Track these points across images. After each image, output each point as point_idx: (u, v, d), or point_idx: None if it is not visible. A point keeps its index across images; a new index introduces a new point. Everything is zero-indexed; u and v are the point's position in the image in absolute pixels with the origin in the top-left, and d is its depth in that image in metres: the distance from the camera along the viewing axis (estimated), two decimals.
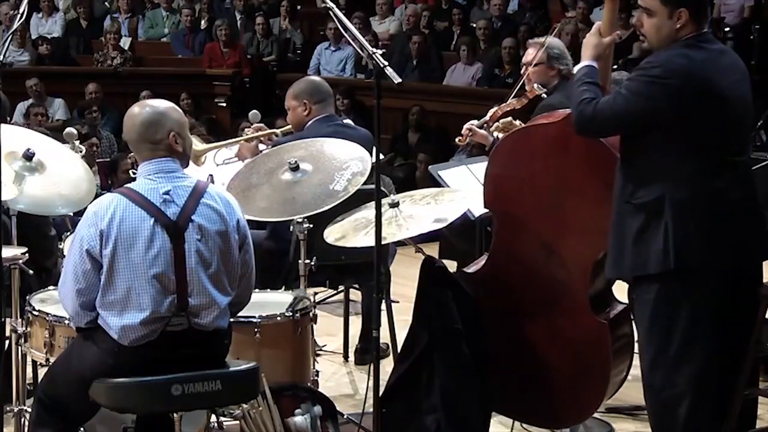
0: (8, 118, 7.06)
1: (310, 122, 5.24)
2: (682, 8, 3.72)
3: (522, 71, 5.40)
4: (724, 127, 3.74)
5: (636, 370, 4.68)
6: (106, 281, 3.52)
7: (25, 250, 4.47)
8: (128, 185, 3.68)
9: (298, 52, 12.68)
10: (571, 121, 3.97)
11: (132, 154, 5.10)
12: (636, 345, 4.32)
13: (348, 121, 6.04)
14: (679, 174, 3.71)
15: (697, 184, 3.71)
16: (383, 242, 3.88)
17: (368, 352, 5.49)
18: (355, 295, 6.35)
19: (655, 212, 3.72)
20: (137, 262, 3.51)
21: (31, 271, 4.59)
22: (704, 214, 3.71)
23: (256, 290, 3.95)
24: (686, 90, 3.67)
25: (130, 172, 5.06)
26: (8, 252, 4.26)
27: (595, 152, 4.10)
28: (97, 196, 4.35)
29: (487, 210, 5.28)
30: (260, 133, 5.33)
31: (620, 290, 4.59)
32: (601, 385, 4.30)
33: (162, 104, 3.74)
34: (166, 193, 3.58)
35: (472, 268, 4.56)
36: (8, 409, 4.40)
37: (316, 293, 5.26)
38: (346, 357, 5.90)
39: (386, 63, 3.66)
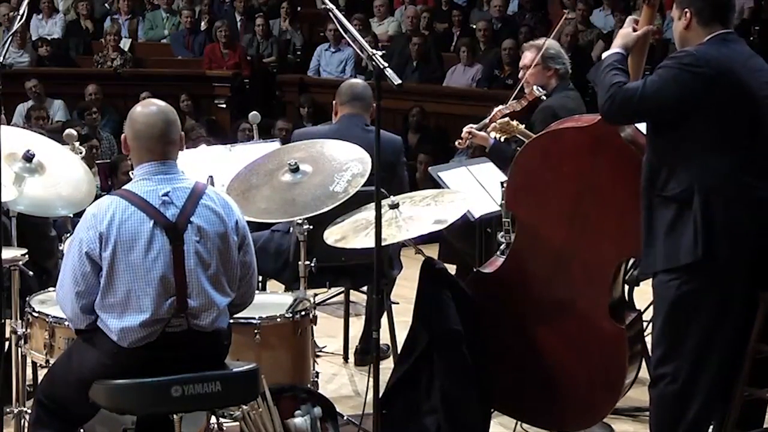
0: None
1: (338, 120, 5.34)
2: (686, 8, 3.84)
3: (520, 75, 5.41)
4: (752, 125, 3.78)
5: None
6: (106, 284, 3.51)
7: (25, 251, 4.47)
8: (126, 187, 3.65)
9: (298, 53, 12.67)
10: (602, 127, 4.00)
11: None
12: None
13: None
14: (708, 167, 3.74)
15: (726, 178, 3.74)
16: (383, 243, 3.88)
17: (368, 352, 5.50)
18: (356, 296, 6.35)
19: (686, 203, 3.75)
20: (137, 264, 3.50)
21: (31, 273, 4.59)
22: (732, 208, 3.74)
23: (256, 291, 3.94)
24: (716, 80, 3.73)
25: (130, 173, 5.04)
26: (8, 253, 4.26)
27: (623, 158, 4.12)
28: (96, 197, 4.34)
29: (487, 212, 5.31)
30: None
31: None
32: (614, 392, 4.31)
33: (166, 104, 3.74)
34: (166, 194, 3.57)
35: (488, 268, 4.57)
36: (8, 410, 4.40)
37: (316, 294, 5.26)
38: (346, 358, 5.90)
39: (386, 64, 3.66)
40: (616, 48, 3.98)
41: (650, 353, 4.92)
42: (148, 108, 3.67)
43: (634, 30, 4.01)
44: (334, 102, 5.40)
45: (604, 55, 4.00)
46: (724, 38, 3.82)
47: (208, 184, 3.78)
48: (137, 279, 3.50)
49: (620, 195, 4.14)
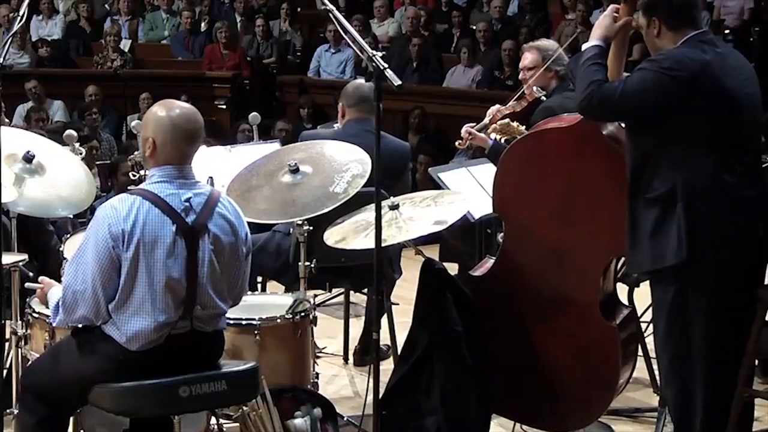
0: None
1: (346, 123, 5.34)
2: (653, 17, 3.85)
3: (520, 76, 5.41)
4: (734, 125, 3.77)
5: (636, 372, 4.69)
6: (124, 284, 3.49)
7: (24, 255, 4.47)
8: (146, 188, 3.60)
9: (298, 54, 12.67)
10: (585, 126, 3.99)
11: (131, 156, 5.12)
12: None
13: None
14: (690, 168, 3.74)
15: (709, 178, 3.74)
16: (383, 244, 3.87)
17: (368, 353, 5.50)
18: (356, 297, 6.35)
19: (669, 204, 3.75)
20: (157, 267, 3.49)
21: (30, 273, 4.59)
22: (716, 208, 3.73)
23: (256, 292, 3.95)
24: (695, 82, 3.72)
25: (130, 174, 5.05)
26: (8, 258, 4.26)
27: (608, 155, 4.11)
28: (97, 198, 4.34)
29: (487, 212, 5.31)
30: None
31: (621, 291, 4.59)
32: (609, 390, 4.30)
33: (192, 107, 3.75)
34: (187, 200, 3.56)
35: (478, 272, 4.55)
36: (8, 411, 4.39)
37: (316, 295, 5.26)
38: (346, 359, 5.90)
39: (386, 65, 3.65)
40: (595, 40, 3.94)
41: (650, 354, 4.95)
42: (182, 110, 3.62)
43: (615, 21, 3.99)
44: (340, 104, 5.39)
45: (584, 46, 3.95)
46: (701, 40, 3.81)
47: (220, 192, 3.78)
48: (155, 282, 3.49)
49: (607, 192, 4.12)
